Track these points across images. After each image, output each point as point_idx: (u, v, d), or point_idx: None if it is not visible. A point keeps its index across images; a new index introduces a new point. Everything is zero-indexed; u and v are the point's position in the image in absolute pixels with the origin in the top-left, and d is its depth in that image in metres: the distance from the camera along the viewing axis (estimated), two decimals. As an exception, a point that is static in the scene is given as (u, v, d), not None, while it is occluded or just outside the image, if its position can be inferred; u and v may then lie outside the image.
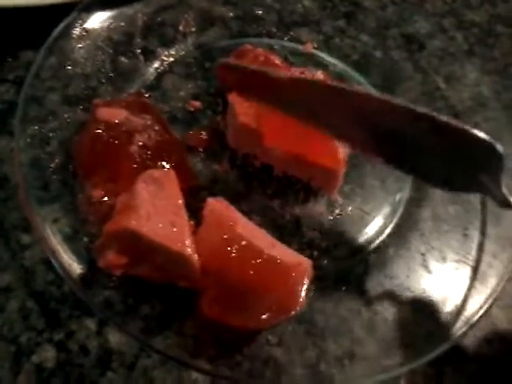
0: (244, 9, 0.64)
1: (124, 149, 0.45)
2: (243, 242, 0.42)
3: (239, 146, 0.52)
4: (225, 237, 0.42)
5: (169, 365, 0.42)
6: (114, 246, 0.40)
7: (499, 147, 0.38)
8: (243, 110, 0.49)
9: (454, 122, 0.39)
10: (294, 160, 0.49)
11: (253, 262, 0.41)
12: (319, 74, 0.53)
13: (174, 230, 0.40)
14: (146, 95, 0.55)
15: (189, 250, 0.39)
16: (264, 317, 0.41)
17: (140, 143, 0.46)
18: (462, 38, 0.66)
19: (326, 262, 0.48)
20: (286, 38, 0.63)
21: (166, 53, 0.59)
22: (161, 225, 0.40)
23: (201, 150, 0.52)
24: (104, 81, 0.54)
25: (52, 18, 0.53)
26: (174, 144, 0.48)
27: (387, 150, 0.45)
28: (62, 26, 0.52)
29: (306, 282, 0.42)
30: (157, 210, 0.41)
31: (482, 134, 0.39)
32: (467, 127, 0.39)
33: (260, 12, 0.64)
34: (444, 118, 0.39)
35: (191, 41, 0.60)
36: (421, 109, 0.40)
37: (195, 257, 0.40)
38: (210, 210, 0.44)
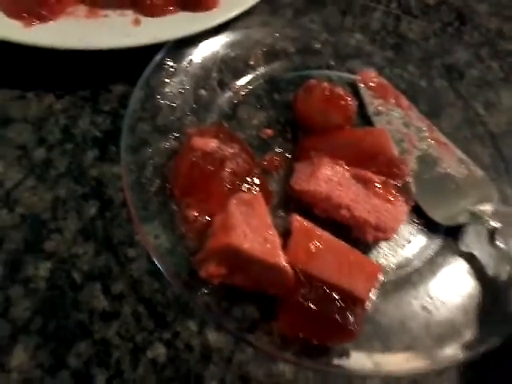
0: (303, 43, 0.71)
1: (217, 174, 0.52)
2: (335, 247, 0.51)
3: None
4: (317, 244, 0.50)
5: (260, 359, 0.49)
6: (214, 259, 0.47)
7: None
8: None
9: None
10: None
11: (345, 262, 0.50)
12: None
13: (268, 245, 0.47)
14: (226, 125, 0.62)
15: (283, 262, 0.46)
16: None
17: (230, 169, 0.53)
18: (497, 66, 0.73)
19: (388, 269, 0.56)
20: (342, 70, 0.70)
21: (239, 85, 0.66)
22: (257, 241, 0.47)
23: (274, 173, 0.60)
24: (188, 112, 0.61)
25: (137, 54, 0.61)
26: (257, 169, 0.55)
27: None
28: (152, 64, 0.60)
29: (377, 284, 0.51)
30: (251, 228, 0.47)
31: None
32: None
33: (318, 46, 0.71)
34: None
35: (260, 73, 0.67)
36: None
37: (289, 267, 0.47)
38: (297, 224, 0.51)
